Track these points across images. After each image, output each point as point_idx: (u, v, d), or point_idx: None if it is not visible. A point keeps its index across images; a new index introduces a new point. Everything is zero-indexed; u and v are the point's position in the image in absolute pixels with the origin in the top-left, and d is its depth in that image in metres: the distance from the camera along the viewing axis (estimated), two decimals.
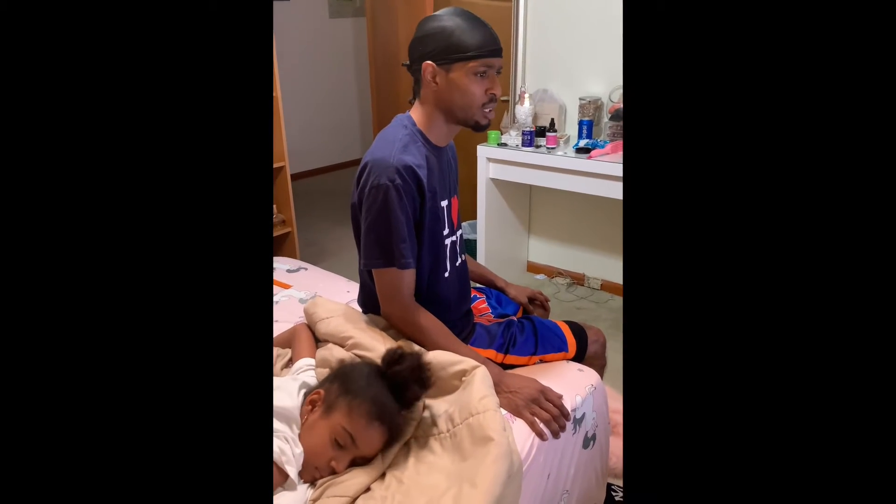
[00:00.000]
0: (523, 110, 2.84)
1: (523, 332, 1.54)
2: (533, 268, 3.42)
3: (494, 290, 1.81)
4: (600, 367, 1.61)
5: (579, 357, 1.56)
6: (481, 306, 1.73)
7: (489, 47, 1.33)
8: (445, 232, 1.45)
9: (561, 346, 1.54)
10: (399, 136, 1.35)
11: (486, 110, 1.39)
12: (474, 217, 3.15)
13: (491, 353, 1.50)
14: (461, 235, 1.57)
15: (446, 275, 1.46)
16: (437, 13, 1.37)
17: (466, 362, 1.30)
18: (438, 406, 1.29)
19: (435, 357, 1.32)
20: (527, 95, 2.84)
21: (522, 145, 2.80)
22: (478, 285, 1.84)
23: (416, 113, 1.42)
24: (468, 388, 1.25)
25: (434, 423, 1.26)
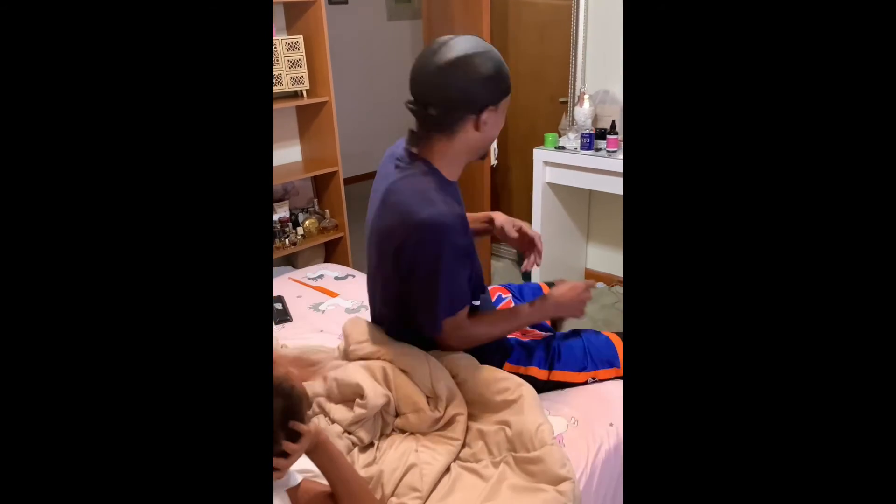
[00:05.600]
0: (582, 112, 2.73)
1: (568, 345, 1.43)
2: (591, 275, 3.29)
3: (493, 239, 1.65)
4: None
5: None
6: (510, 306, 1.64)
7: (509, 85, 1.24)
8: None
9: (613, 362, 1.41)
10: (430, 186, 1.22)
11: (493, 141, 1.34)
12: (529, 223, 3.05)
13: (533, 370, 1.39)
14: None
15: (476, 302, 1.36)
16: (468, 49, 1.19)
17: (511, 380, 1.22)
18: (485, 426, 1.21)
19: (478, 375, 1.24)
20: (586, 97, 2.73)
21: (581, 148, 2.69)
22: (503, 284, 1.76)
23: (430, 153, 1.27)
24: (520, 412, 1.16)
25: (486, 445, 1.18)
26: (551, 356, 1.41)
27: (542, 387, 1.36)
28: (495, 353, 1.39)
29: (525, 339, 1.48)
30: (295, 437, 0.92)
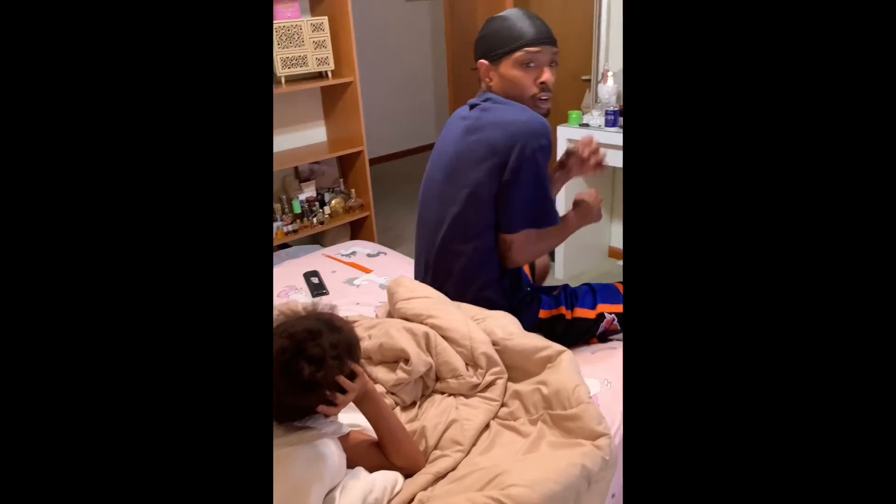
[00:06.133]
0: (606, 89, 2.74)
1: (582, 290, 1.61)
2: (615, 253, 3.32)
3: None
4: None
5: None
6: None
7: (533, 38, 1.39)
8: None
9: (619, 300, 1.57)
10: (516, 105, 1.42)
11: (541, 100, 1.45)
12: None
13: (562, 309, 1.56)
14: None
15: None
16: (495, 15, 1.46)
17: (553, 348, 1.27)
18: (523, 387, 1.26)
19: (519, 344, 1.29)
20: (610, 74, 2.74)
21: (605, 126, 2.71)
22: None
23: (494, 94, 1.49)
24: (557, 373, 1.21)
25: (523, 404, 1.23)
26: (570, 299, 1.57)
27: (566, 325, 1.54)
28: (531, 304, 1.55)
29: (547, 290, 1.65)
30: (351, 377, 0.99)
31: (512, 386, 1.28)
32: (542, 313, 1.55)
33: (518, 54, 1.39)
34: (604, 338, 1.58)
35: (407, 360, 1.24)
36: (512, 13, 1.43)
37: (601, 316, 1.55)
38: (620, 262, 3.24)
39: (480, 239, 1.46)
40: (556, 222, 1.46)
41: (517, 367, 1.30)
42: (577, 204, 1.54)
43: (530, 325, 1.51)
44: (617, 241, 3.30)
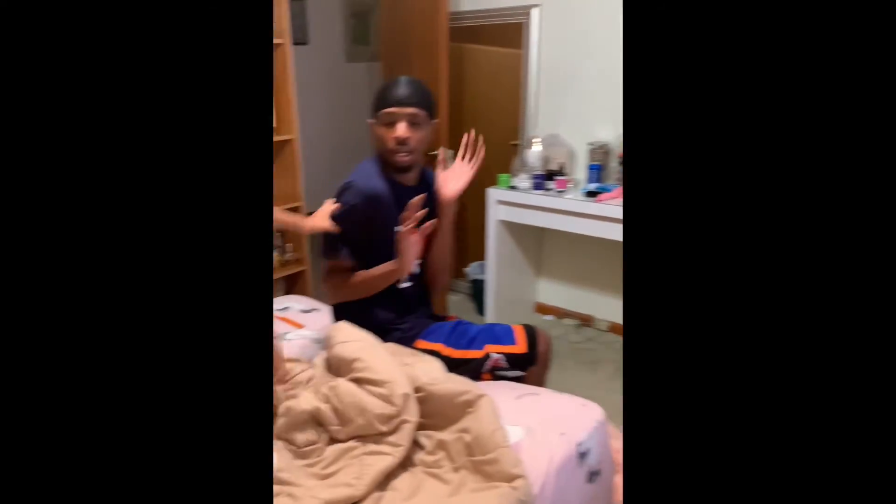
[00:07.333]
0: (533, 154, 2.92)
1: (473, 329, 1.76)
2: (541, 308, 3.46)
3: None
4: (544, 367, 1.80)
5: (531, 355, 1.72)
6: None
7: (390, 100, 1.60)
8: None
9: (510, 341, 1.72)
10: (370, 169, 1.68)
11: (398, 154, 1.63)
12: (483, 258, 3.20)
13: (439, 346, 1.71)
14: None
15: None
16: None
17: (472, 392, 1.35)
18: (447, 435, 1.33)
19: (442, 389, 1.36)
20: (536, 140, 2.92)
21: (533, 188, 2.87)
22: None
23: None
24: (477, 419, 1.28)
25: (447, 453, 1.30)
26: (457, 337, 1.74)
27: (447, 363, 1.62)
28: (413, 328, 1.76)
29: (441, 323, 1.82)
30: None
31: (436, 435, 1.34)
32: (419, 342, 1.72)
33: (380, 114, 1.62)
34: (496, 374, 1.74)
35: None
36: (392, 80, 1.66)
37: (487, 356, 1.71)
38: (547, 317, 3.37)
39: None
40: (329, 257, 1.69)
41: (439, 412, 1.37)
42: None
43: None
44: (544, 296, 3.44)
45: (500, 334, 1.75)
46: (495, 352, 1.71)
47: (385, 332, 1.70)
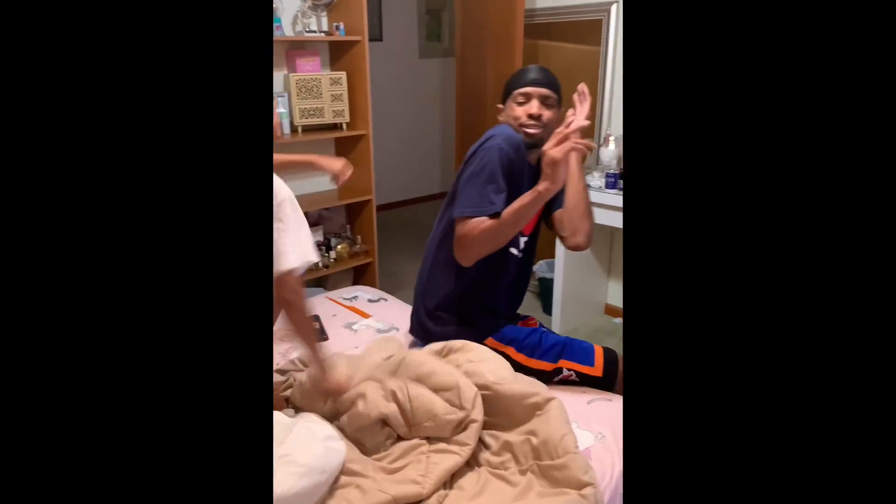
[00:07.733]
0: (608, 152, 2.86)
1: (550, 339, 1.71)
2: (611, 310, 3.39)
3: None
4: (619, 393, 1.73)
5: (609, 382, 1.64)
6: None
7: (524, 81, 1.69)
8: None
9: (588, 362, 1.65)
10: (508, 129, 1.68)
11: (527, 128, 1.67)
12: (552, 256, 3.16)
13: (510, 350, 1.69)
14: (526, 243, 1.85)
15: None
16: None
17: (541, 395, 1.33)
18: (513, 437, 1.31)
19: (509, 390, 1.35)
20: (612, 138, 2.86)
21: (606, 187, 2.82)
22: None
23: None
24: (546, 422, 1.27)
25: (514, 455, 1.29)
26: (531, 345, 1.69)
27: (517, 369, 1.58)
28: (485, 318, 1.75)
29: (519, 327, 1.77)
30: None
31: (502, 436, 1.33)
32: (489, 341, 1.70)
33: (514, 93, 1.70)
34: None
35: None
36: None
37: (558, 371, 1.66)
38: (616, 320, 3.31)
39: (441, 249, 1.72)
40: (492, 213, 1.52)
41: (506, 412, 1.36)
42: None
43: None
44: (614, 298, 3.38)
45: (578, 352, 1.68)
46: (568, 367, 1.66)
47: (477, 319, 1.72)
